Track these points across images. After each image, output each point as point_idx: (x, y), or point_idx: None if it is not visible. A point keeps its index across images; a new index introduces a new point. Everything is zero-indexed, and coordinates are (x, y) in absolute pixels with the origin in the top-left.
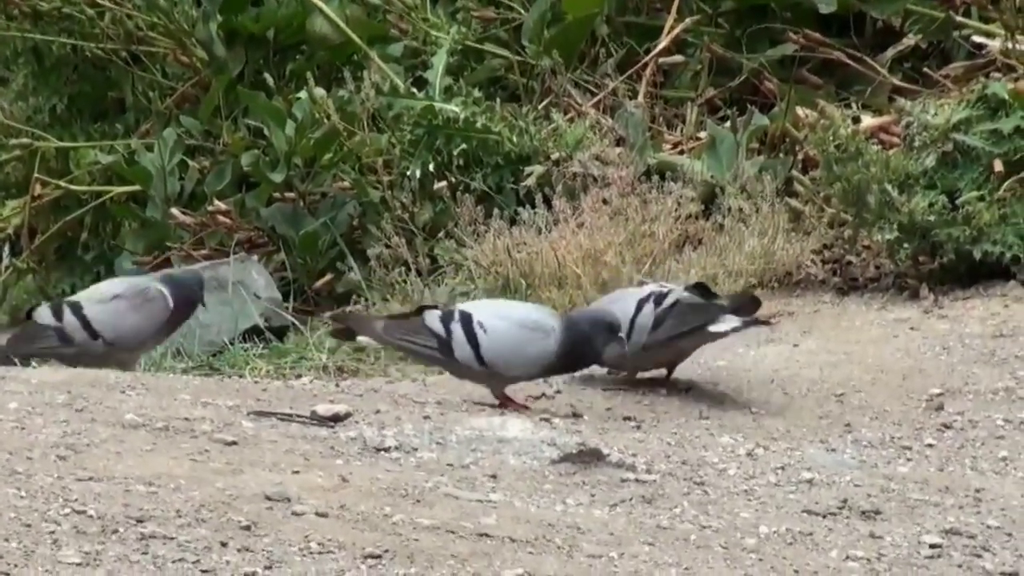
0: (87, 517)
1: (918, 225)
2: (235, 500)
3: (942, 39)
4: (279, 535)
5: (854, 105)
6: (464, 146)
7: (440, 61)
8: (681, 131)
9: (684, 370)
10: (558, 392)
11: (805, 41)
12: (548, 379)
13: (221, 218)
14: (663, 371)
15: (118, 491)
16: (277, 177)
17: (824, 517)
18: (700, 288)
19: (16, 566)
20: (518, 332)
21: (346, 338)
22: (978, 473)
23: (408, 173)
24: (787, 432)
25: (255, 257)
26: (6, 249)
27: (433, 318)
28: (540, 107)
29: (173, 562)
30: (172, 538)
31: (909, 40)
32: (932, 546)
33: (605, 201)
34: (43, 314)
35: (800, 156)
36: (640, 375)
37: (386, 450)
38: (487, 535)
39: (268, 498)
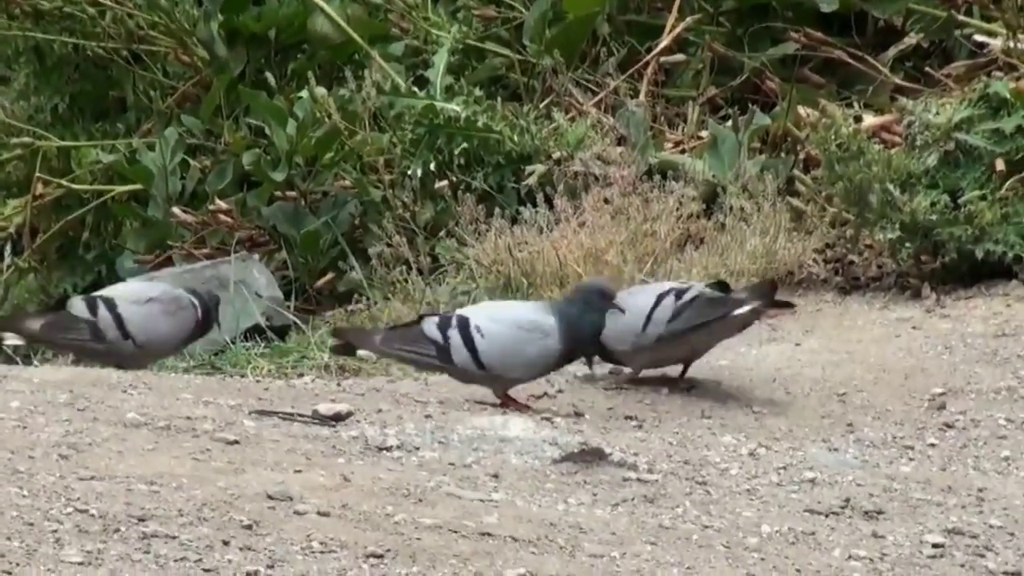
0: (89, 516)
1: (920, 224)
2: (237, 499)
3: (944, 38)
4: (281, 534)
5: (856, 104)
6: (465, 145)
7: (441, 60)
8: (683, 130)
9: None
10: (560, 391)
11: (807, 40)
12: (550, 379)
13: (222, 217)
14: (663, 371)
15: (120, 490)
16: (278, 176)
17: (826, 517)
18: (721, 286)
19: (18, 565)
20: (515, 334)
21: (346, 353)
22: (980, 473)
23: (409, 172)
24: (789, 431)
25: (256, 256)
26: (8, 248)
27: (430, 326)
28: (541, 106)
29: (175, 561)
30: (174, 537)
31: (911, 39)
32: (935, 546)
33: (606, 200)
34: (77, 306)
35: (802, 155)
36: (644, 373)
37: (388, 449)
38: (489, 534)
39: (270, 497)
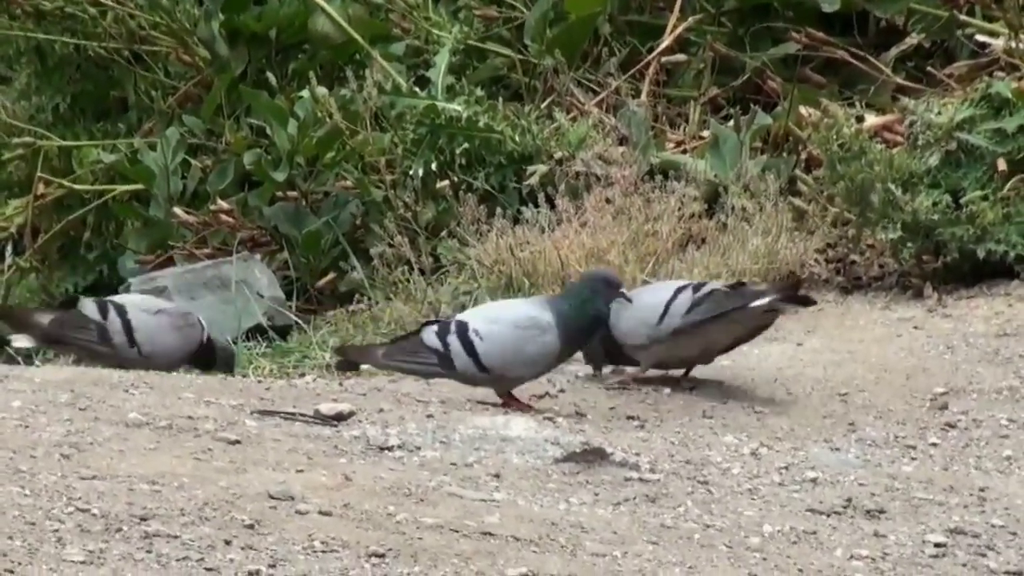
0: (91, 515)
1: (922, 224)
2: (239, 499)
3: (946, 38)
4: (283, 534)
5: (857, 104)
6: (467, 145)
7: (443, 60)
8: (684, 130)
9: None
10: (562, 391)
11: (808, 40)
12: (551, 379)
13: (224, 217)
14: (666, 371)
15: (122, 489)
16: (280, 176)
17: (828, 516)
18: (738, 286)
19: (20, 564)
20: (513, 333)
21: (350, 369)
22: (982, 472)
23: (411, 172)
24: (791, 431)
25: (258, 256)
26: (9, 248)
27: (430, 334)
28: (543, 106)
29: (177, 560)
30: (176, 536)
31: (912, 39)
32: (936, 545)
33: (608, 200)
34: (88, 307)
35: (803, 155)
36: (649, 373)
37: (389, 449)
38: (491, 534)
39: (272, 497)
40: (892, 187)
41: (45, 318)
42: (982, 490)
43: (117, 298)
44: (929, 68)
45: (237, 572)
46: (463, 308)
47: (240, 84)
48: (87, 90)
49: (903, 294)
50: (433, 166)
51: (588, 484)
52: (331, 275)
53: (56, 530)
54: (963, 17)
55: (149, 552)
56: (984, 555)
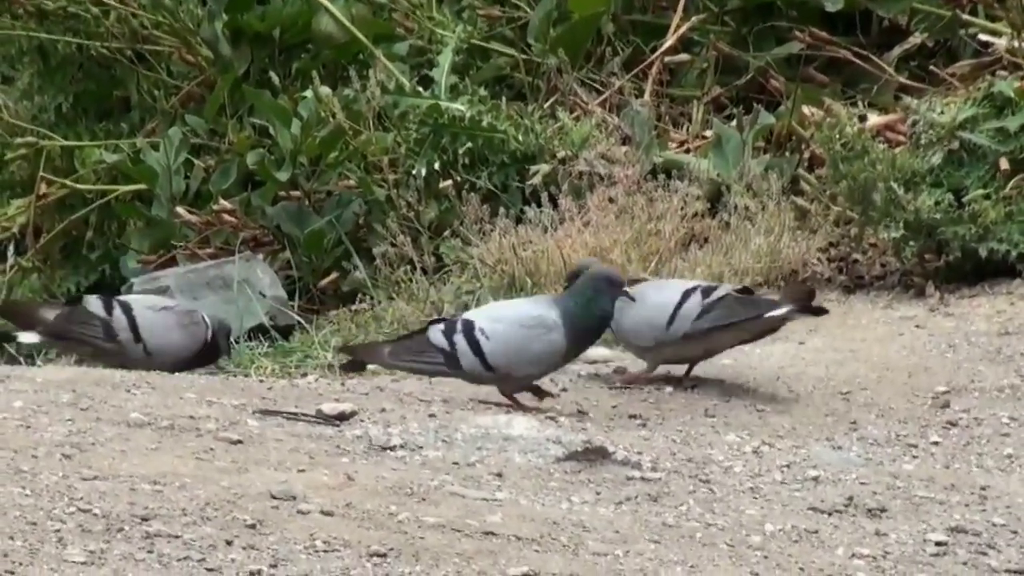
0: (92, 515)
1: (924, 223)
2: (240, 499)
3: (948, 37)
4: (284, 533)
5: (860, 103)
6: (470, 145)
7: (446, 59)
8: (687, 129)
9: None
10: (564, 390)
11: (811, 39)
12: (554, 378)
13: (226, 217)
14: (668, 370)
15: (123, 489)
16: (282, 176)
17: (830, 515)
18: (745, 292)
19: (21, 564)
20: (518, 331)
21: (355, 369)
22: (984, 471)
23: (414, 172)
24: (793, 430)
25: (260, 256)
26: (11, 248)
27: (436, 333)
28: (546, 106)
29: (178, 560)
30: (177, 536)
31: (915, 38)
32: (938, 544)
33: (611, 199)
34: (93, 304)
35: (806, 154)
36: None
37: (391, 448)
38: (492, 533)
39: (273, 496)
40: (894, 186)
41: (50, 313)
42: (983, 488)
43: (122, 296)
44: (932, 67)
45: (239, 572)
46: (466, 308)
47: (243, 84)
48: (90, 90)
49: (905, 293)
50: (436, 166)
51: (590, 483)
52: (333, 275)
53: (57, 530)
54: (966, 17)
55: (150, 552)
56: (985, 553)
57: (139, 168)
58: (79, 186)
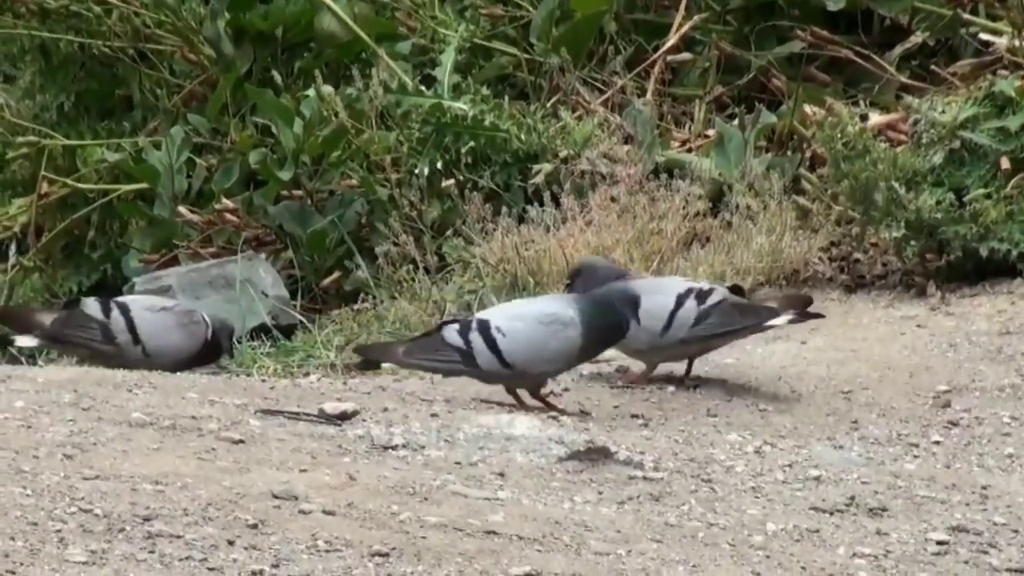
0: (93, 516)
1: (925, 223)
2: (242, 498)
3: (949, 37)
4: (286, 533)
5: (862, 103)
6: (472, 144)
7: (448, 59)
8: (689, 129)
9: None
10: (566, 390)
11: (813, 39)
12: (556, 378)
13: (229, 216)
14: (670, 369)
15: (125, 489)
16: (285, 175)
17: (831, 514)
18: (736, 291)
19: (22, 564)
20: (536, 329)
21: (369, 368)
22: (984, 470)
23: (416, 171)
24: (794, 429)
25: (263, 255)
26: (13, 247)
27: (451, 332)
28: (548, 105)
29: (180, 560)
30: (179, 536)
31: (916, 38)
32: (939, 543)
33: (613, 199)
34: (91, 306)
35: (808, 154)
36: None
37: (393, 448)
38: (494, 533)
39: (275, 496)
40: (896, 185)
41: (47, 318)
42: (984, 488)
43: (121, 298)
44: (933, 67)
45: (240, 572)
46: (468, 307)
47: (245, 83)
48: (91, 89)
49: (906, 292)
50: (438, 165)
51: (592, 483)
52: (336, 274)
53: (58, 530)
54: (967, 16)
55: (152, 552)
56: (986, 553)
57: (141, 167)
58: (81, 185)
